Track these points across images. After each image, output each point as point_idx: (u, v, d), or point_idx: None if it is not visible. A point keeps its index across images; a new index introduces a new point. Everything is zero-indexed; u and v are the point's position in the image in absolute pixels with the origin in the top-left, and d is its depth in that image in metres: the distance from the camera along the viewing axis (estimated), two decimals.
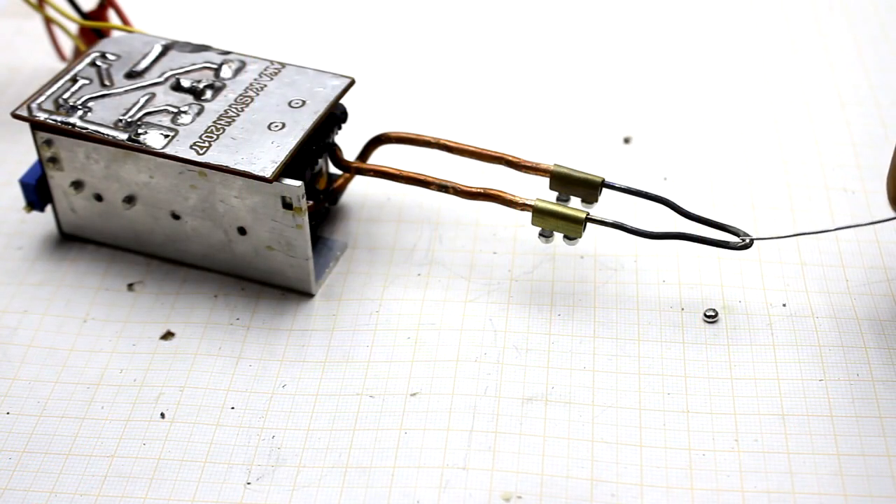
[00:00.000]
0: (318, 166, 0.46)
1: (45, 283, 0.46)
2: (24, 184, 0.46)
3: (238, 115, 0.44)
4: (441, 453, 0.39)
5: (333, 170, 0.48)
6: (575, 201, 0.45)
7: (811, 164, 0.50)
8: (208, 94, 0.45)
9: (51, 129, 0.44)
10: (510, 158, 0.45)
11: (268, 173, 0.41)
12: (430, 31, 0.61)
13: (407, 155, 0.49)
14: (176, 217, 0.45)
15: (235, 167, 0.42)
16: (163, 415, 0.41)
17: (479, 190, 0.45)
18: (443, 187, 0.45)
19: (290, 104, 0.44)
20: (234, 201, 0.43)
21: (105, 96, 0.45)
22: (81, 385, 0.42)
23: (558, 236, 0.44)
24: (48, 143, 0.45)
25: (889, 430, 0.39)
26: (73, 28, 0.54)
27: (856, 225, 0.43)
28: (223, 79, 0.46)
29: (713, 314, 0.43)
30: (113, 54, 0.47)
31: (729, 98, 0.55)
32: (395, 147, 0.48)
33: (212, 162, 0.42)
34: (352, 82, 0.46)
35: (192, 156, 0.42)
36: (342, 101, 0.46)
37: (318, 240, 0.47)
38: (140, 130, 0.43)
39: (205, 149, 0.43)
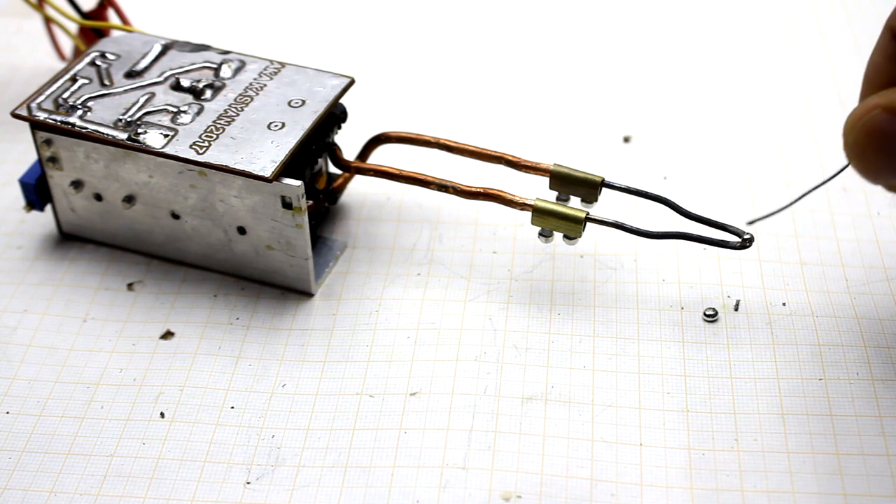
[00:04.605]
0: (317, 166, 0.46)
1: (45, 282, 0.46)
2: (24, 183, 0.46)
3: (238, 115, 0.44)
4: (441, 453, 0.39)
5: (333, 169, 0.48)
6: (575, 201, 0.45)
7: (811, 164, 0.50)
8: (208, 93, 0.45)
9: (50, 128, 0.44)
10: (510, 158, 0.45)
11: (267, 173, 0.41)
12: (429, 31, 0.61)
13: (407, 155, 0.49)
14: (175, 217, 0.45)
15: (235, 167, 0.42)
16: (162, 414, 0.41)
17: (478, 190, 0.45)
18: (443, 187, 0.45)
19: (289, 104, 0.44)
20: (233, 201, 0.43)
21: (105, 96, 0.45)
22: (81, 385, 0.42)
23: (558, 236, 0.44)
24: (48, 142, 0.45)
25: (888, 429, 0.39)
26: (73, 28, 0.54)
27: (812, 189, 0.41)
28: (223, 78, 0.46)
29: (713, 313, 0.43)
30: (113, 54, 0.47)
31: (729, 98, 0.55)
32: (395, 147, 0.48)
33: (211, 161, 0.42)
34: (351, 82, 0.46)
35: (191, 155, 0.42)
36: (342, 100, 0.46)
37: (318, 239, 0.47)
38: (140, 130, 0.43)
39: (204, 148, 0.43)
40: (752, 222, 0.42)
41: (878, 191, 0.49)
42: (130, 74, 0.46)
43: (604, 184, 0.44)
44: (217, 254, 0.46)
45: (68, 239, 0.48)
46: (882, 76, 0.38)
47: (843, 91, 0.55)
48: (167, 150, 0.43)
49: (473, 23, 0.61)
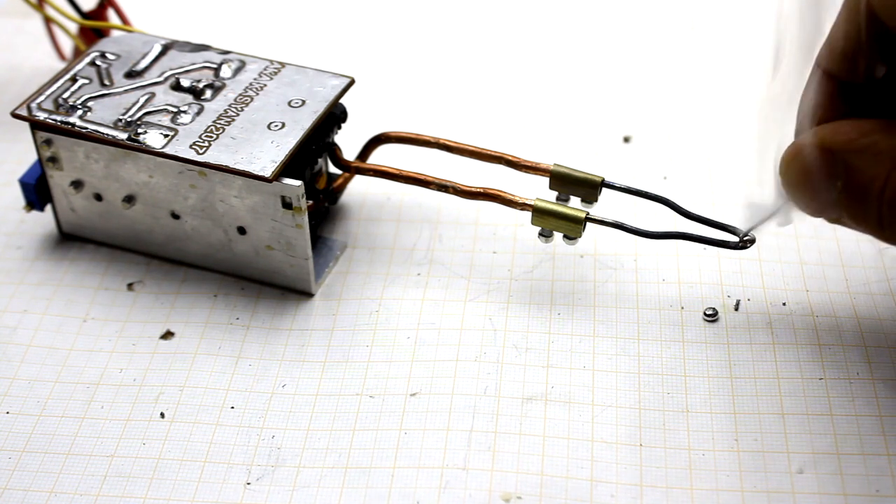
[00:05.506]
0: (317, 166, 0.46)
1: (45, 282, 0.46)
2: (24, 183, 0.46)
3: (238, 115, 0.44)
4: (441, 453, 0.39)
5: (333, 169, 0.48)
6: (575, 201, 0.45)
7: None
8: (208, 93, 0.45)
9: (50, 128, 0.44)
10: (510, 158, 0.45)
11: (267, 173, 0.41)
12: (429, 31, 0.61)
13: (407, 155, 0.49)
14: (176, 217, 0.45)
15: (235, 167, 0.42)
16: (162, 414, 0.41)
17: (478, 190, 0.45)
18: (443, 187, 0.45)
19: (289, 104, 0.44)
20: (233, 201, 0.43)
21: (105, 96, 0.45)
22: (81, 384, 0.42)
23: (558, 236, 0.44)
24: (48, 142, 0.45)
25: (889, 428, 0.39)
26: (73, 28, 0.54)
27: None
28: (223, 78, 0.46)
29: (713, 313, 0.43)
30: (113, 54, 0.47)
31: (729, 97, 0.55)
32: (395, 147, 0.48)
33: (211, 161, 0.42)
34: (351, 82, 0.46)
35: (191, 155, 0.42)
36: (342, 100, 0.46)
37: (318, 239, 0.47)
38: (140, 130, 0.43)
39: (204, 148, 0.43)
40: (745, 235, 0.42)
41: None
42: (130, 74, 0.46)
43: (604, 184, 0.44)
44: (217, 254, 0.46)
45: (68, 239, 0.48)
46: (814, 112, 0.39)
47: None
48: (167, 150, 0.43)
49: (473, 23, 0.61)
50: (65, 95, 0.45)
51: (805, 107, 0.40)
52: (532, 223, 0.44)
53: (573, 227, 0.43)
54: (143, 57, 0.47)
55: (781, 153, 0.39)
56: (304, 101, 0.45)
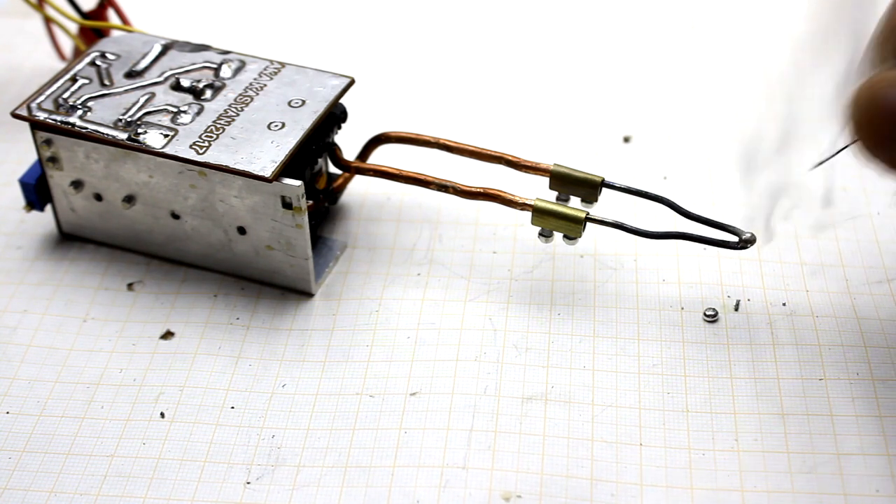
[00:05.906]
0: (317, 166, 0.46)
1: (45, 282, 0.46)
2: (24, 183, 0.46)
3: (238, 115, 0.44)
4: (441, 453, 0.39)
5: (333, 169, 0.48)
6: (575, 201, 0.45)
7: (811, 163, 0.50)
8: (208, 93, 0.45)
9: (50, 128, 0.44)
10: (510, 158, 0.45)
11: (267, 173, 0.41)
12: (429, 31, 0.61)
13: (407, 155, 0.49)
14: (176, 217, 0.45)
15: (235, 167, 0.42)
16: (162, 414, 0.41)
17: (478, 190, 0.45)
18: (443, 187, 0.45)
19: (289, 104, 0.44)
20: (233, 201, 0.43)
21: (105, 96, 0.45)
22: (81, 385, 0.42)
23: (558, 236, 0.44)
24: (48, 142, 0.45)
25: (889, 429, 0.39)
26: (73, 28, 0.54)
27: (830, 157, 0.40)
28: (223, 78, 0.46)
29: (713, 313, 0.43)
30: (113, 54, 0.47)
31: (728, 97, 0.55)
32: (395, 147, 0.48)
33: (211, 161, 0.42)
34: (351, 82, 0.46)
35: (191, 155, 0.42)
36: (342, 100, 0.46)
37: (318, 239, 0.47)
38: (140, 130, 0.43)
39: (204, 148, 0.43)
40: (746, 236, 0.42)
41: (878, 190, 0.49)
42: (130, 74, 0.46)
43: (604, 184, 0.44)
44: (217, 254, 0.46)
45: (68, 239, 0.48)
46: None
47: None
48: (167, 150, 0.43)
49: (473, 23, 0.61)
50: (65, 95, 0.45)
51: (881, 42, 0.37)
52: (532, 223, 0.44)
53: (573, 227, 0.43)
54: (143, 57, 0.47)
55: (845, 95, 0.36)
56: (304, 101, 0.45)
